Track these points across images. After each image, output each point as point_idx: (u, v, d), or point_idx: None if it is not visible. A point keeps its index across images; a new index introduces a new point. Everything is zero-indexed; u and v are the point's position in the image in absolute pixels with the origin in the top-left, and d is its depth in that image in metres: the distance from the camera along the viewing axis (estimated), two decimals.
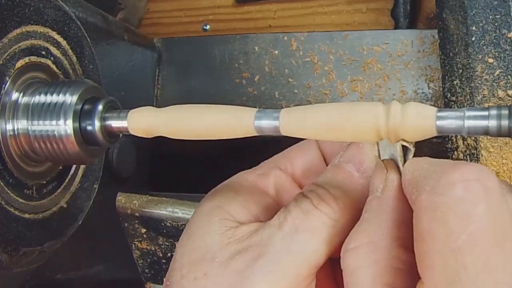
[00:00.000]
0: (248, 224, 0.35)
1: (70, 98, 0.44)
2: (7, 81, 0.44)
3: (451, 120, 0.31)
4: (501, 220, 0.26)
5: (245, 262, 0.33)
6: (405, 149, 0.33)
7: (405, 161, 0.33)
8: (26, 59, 0.46)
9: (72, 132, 0.44)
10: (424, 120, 0.31)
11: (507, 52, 0.55)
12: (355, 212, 0.34)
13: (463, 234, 0.25)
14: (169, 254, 0.70)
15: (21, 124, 0.45)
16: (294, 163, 0.40)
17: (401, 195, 0.32)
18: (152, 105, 0.48)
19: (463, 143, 0.58)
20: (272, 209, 0.37)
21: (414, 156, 0.33)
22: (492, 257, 0.25)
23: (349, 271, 0.31)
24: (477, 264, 0.25)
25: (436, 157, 0.33)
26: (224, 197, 0.37)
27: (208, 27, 0.92)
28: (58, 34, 0.49)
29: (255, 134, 0.36)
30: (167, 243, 0.70)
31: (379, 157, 0.35)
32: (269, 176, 0.40)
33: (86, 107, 0.44)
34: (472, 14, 0.57)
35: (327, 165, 0.40)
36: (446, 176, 0.27)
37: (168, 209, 0.67)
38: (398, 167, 0.33)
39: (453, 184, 0.27)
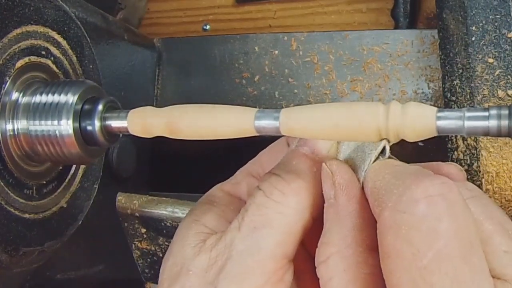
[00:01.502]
0: (218, 232, 0.36)
1: (70, 98, 0.44)
2: (7, 81, 0.44)
3: (451, 120, 0.31)
4: (467, 234, 0.26)
5: (215, 271, 0.33)
6: (382, 150, 0.33)
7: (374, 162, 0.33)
8: (26, 59, 0.46)
9: (72, 132, 0.44)
10: (424, 120, 0.31)
11: (507, 52, 0.55)
12: (315, 196, 0.33)
13: (429, 252, 0.26)
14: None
15: (21, 124, 0.45)
16: (265, 167, 0.40)
17: (357, 196, 0.31)
18: (152, 105, 0.48)
19: (463, 143, 0.58)
20: None
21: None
22: (460, 273, 0.25)
23: (323, 282, 0.31)
24: (445, 282, 0.25)
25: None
26: (200, 210, 0.38)
27: (208, 27, 0.92)
28: (58, 34, 0.49)
29: (255, 134, 0.36)
30: (167, 243, 0.69)
31: (337, 144, 0.35)
32: (242, 184, 0.40)
33: (86, 107, 0.44)
34: (472, 14, 0.57)
35: None
36: (408, 192, 0.27)
37: (168, 209, 0.67)
38: (346, 166, 0.33)
39: (415, 201, 0.27)
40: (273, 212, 0.33)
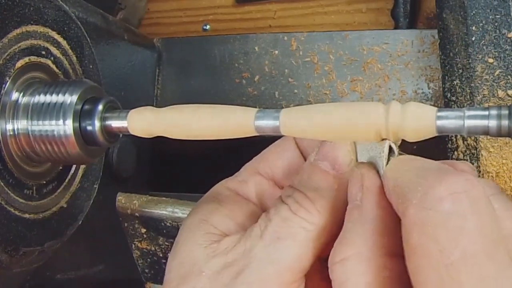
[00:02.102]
0: (232, 235, 0.36)
1: (70, 98, 0.44)
2: (7, 81, 0.44)
3: (451, 120, 0.31)
4: (490, 231, 0.27)
5: (230, 275, 0.33)
6: (390, 149, 0.33)
7: (387, 162, 0.33)
8: (26, 59, 0.46)
9: (72, 132, 0.44)
10: (424, 120, 0.31)
11: (507, 52, 0.55)
12: (334, 212, 0.34)
13: (456, 250, 0.26)
14: (169, 254, 0.70)
15: (21, 124, 0.45)
16: (273, 166, 0.40)
17: (382, 201, 0.32)
18: (152, 105, 0.48)
19: (463, 143, 0.58)
20: (257, 216, 0.38)
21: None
22: (485, 271, 0.26)
23: (338, 283, 0.31)
24: (472, 279, 0.25)
25: (436, 158, 0.33)
26: (207, 210, 0.38)
27: (208, 27, 0.92)
28: (58, 34, 0.49)
29: (255, 134, 0.36)
30: (167, 243, 0.69)
31: (355, 153, 0.35)
32: (249, 183, 0.40)
33: (86, 107, 0.44)
34: (472, 14, 0.57)
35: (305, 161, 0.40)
36: (433, 190, 0.27)
37: (168, 209, 0.67)
38: (377, 171, 0.33)
39: (440, 198, 0.27)
40: (297, 226, 0.33)
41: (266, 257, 0.33)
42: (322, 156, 0.36)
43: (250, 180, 0.40)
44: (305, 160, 0.40)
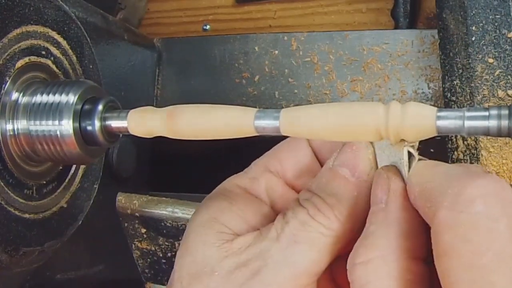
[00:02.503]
0: (245, 235, 0.36)
1: (70, 98, 0.44)
2: (7, 81, 0.44)
3: (451, 120, 0.31)
4: None
5: (245, 275, 0.33)
6: (409, 154, 0.33)
7: (409, 167, 0.33)
8: (26, 59, 0.46)
9: (72, 132, 0.44)
10: (424, 120, 0.31)
11: (507, 52, 0.55)
12: (351, 219, 0.34)
13: (488, 252, 0.26)
14: (169, 254, 0.70)
15: (21, 124, 0.45)
16: (284, 164, 0.40)
17: (407, 205, 0.32)
18: (152, 105, 0.48)
19: (463, 143, 0.58)
20: (267, 215, 0.38)
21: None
22: None
23: (359, 285, 0.31)
24: (504, 281, 0.26)
25: (436, 158, 0.33)
26: (218, 208, 0.38)
27: (208, 27, 0.92)
28: (58, 34, 0.49)
29: (255, 134, 0.36)
30: (167, 243, 0.69)
31: (375, 161, 0.35)
32: (260, 180, 0.40)
33: (86, 107, 0.44)
34: (472, 14, 0.57)
35: (318, 162, 0.39)
36: (464, 192, 0.27)
37: (168, 209, 0.67)
38: (400, 175, 0.33)
39: (472, 200, 0.27)
40: (315, 231, 0.34)
41: (282, 260, 0.33)
42: (342, 162, 0.35)
43: (261, 178, 0.40)
44: (318, 160, 0.40)
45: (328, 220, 0.34)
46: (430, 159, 0.34)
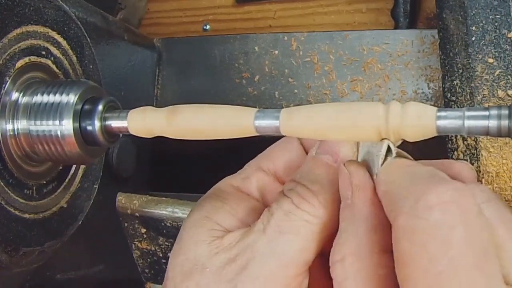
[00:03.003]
0: (234, 231, 0.36)
1: (70, 98, 0.44)
2: (7, 81, 0.44)
3: (451, 120, 0.31)
4: (480, 241, 0.27)
5: (234, 270, 0.33)
6: (388, 148, 0.33)
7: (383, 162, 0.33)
8: (26, 59, 0.46)
9: (72, 132, 0.44)
10: (424, 120, 0.31)
11: (507, 52, 0.55)
12: (337, 205, 0.34)
13: (444, 260, 0.26)
14: (169, 254, 0.70)
15: (21, 124, 0.45)
16: (276, 162, 0.40)
17: (373, 199, 0.32)
18: (152, 105, 0.48)
19: (463, 143, 0.58)
20: (259, 212, 0.38)
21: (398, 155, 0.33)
22: (474, 281, 0.26)
23: (338, 282, 0.31)
24: None
25: (436, 158, 0.33)
26: (211, 207, 0.38)
27: (208, 27, 0.92)
28: (58, 34, 0.49)
29: (255, 134, 0.36)
30: (167, 243, 0.69)
31: (357, 147, 0.35)
32: (252, 179, 0.40)
33: (86, 107, 0.44)
34: (472, 14, 0.57)
35: None
36: (422, 198, 0.27)
37: (168, 209, 0.67)
38: (367, 169, 0.33)
39: (430, 207, 0.27)
40: (299, 219, 0.34)
41: (269, 251, 0.33)
42: (324, 150, 0.36)
43: (252, 176, 0.40)
44: None
45: (312, 207, 0.34)
46: (430, 159, 0.34)
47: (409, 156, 0.33)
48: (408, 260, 0.27)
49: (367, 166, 0.34)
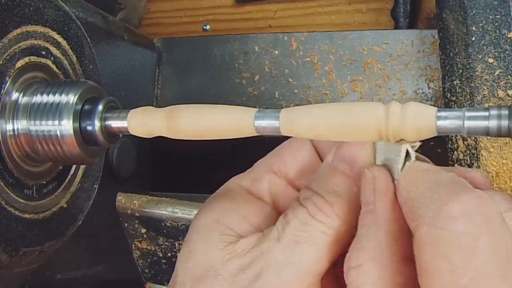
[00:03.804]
0: (248, 237, 0.36)
1: (70, 98, 0.44)
2: (7, 81, 0.44)
3: (451, 120, 0.31)
4: (504, 250, 0.26)
5: (248, 278, 0.33)
6: (406, 153, 0.32)
7: (403, 167, 0.32)
8: (26, 59, 0.46)
9: (72, 132, 0.44)
10: (424, 120, 0.31)
11: (507, 52, 0.55)
12: (352, 215, 0.34)
13: (468, 271, 0.26)
14: (169, 254, 0.70)
15: (21, 124, 0.45)
16: (287, 164, 0.40)
17: (395, 205, 0.31)
18: (152, 105, 0.48)
19: (463, 143, 0.58)
20: (270, 216, 0.37)
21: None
22: None
23: None
24: None
25: (436, 158, 0.33)
26: (222, 209, 0.37)
27: (208, 27, 0.92)
28: (58, 34, 0.49)
29: (255, 134, 0.36)
30: (167, 243, 0.69)
31: (374, 156, 0.35)
32: (263, 181, 0.39)
33: (86, 107, 0.44)
34: (472, 14, 0.57)
35: (321, 162, 0.39)
36: (445, 208, 0.27)
37: (168, 209, 0.67)
38: (390, 174, 0.32)
39: (453, 217, 0.27)
40: (315, 230, 0.33)
41: (285, 260, 0.33)
42: (340, 157, 0.35)
43: (263, 178, 0.39)
44: (321, 160, 0.39)
45: (328, 219, 0.33)
46: (430, 159, 0.34)
47: (428, 160, 0.33)
48: (431, 271, 0.27)
49: (388, 171, 0.33)
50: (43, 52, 0.47)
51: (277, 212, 0.38)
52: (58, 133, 0.44)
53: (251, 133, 0.36)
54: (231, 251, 0.35)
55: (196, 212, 0.60)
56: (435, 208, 0.27)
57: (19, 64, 0.45)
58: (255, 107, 0.36)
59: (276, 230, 0.34)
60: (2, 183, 0.43)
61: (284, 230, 0.34)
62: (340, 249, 0.34)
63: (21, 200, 0.45)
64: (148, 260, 0.72)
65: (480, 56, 0.56)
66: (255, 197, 0.39)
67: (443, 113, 0.31)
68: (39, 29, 0.47)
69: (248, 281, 0.33)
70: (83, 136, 0.44)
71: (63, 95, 0.44)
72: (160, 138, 0.40)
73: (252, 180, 0.40)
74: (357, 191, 0.34)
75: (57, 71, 0.49)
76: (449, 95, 0.61)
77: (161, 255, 0.71)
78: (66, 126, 0.44)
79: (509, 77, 0.55)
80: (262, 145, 0.42)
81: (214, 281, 0.34)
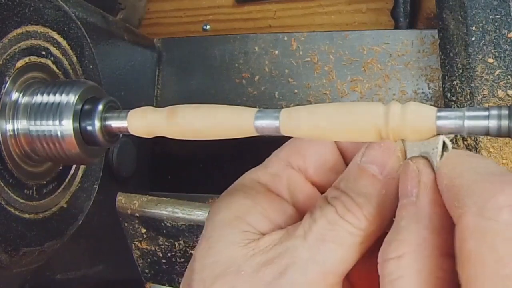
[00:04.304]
0: (271, 234, 0.35)
1: (70, 98, 0.44)
2: (7, 81, 0.44)
3: (451, 120, 0.31)
4: None
5: (272, 273, 0.33)
6: (443, 144, 0.32)
7: (441, 158, 0.32)
8: (26, 59, 0.46)
9: (72, 132, 0.44)
10: (424, 120, 0.31)
11: (507, 52, 0.55)
12: (379, 217, 0.33)
13: None
14: (169, 254, 0.70)
15: (21, 124, 0.45)
16: (307, 160, 0.39)
17: (438, 199, 0.31)
18: (152, 105, 0.48)
19: (463, 143, 0.58)
20: (290, 213, 0.37)
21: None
22: None
23: (390, 280, 0.30)
24: None
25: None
26: (242, 206, 0.37)
27: (208, 27, 0.92)
28: (58, 34, 0.49)
29: (255, 134, 0.36)
30: (167, 243, 0.69)
31: (405, 156, 0.34)
32: (282, 177, 0.39)
33: (86, 107, 0.44)
34: (472, 14, 0.57)
35: (343, 158, 0.39)
36: (493, 199, 0.27)
37: (168, 209, 0.67)
38: (431, 165, 0.32)
39: (501, 208, 0.26)
40: (343, 230, 0.33)
41: (311, 258, 0.33)
42: (370, 159, 0.35)
43: (282, 174, 0.39)
44: (343, 157, 0.39)
45: (357, 220, 0.33)
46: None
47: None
48: (474, 260, 0.27)
49: (430, 164, 0.33)
50: (43, 52, 0.47)
51: (297, 209, 0.38)
52: (58, 133, 0.44)
53: (251, 133, 0.36)
54: (254, 247, 0.34)
55: (195, 212, 0.60)
56: (482, 198, 0.27)
57: (19, 64, 0.45)
58: (255, 107, 0.36)
59: (303, 228, 0.34)
60: (2, 183, 0.43)
61: (311, 228, 0.34)
62: (364, 250, 0.34)
63: (21, 200, 0.45)
64: (148, 260, 0.72)
65: (480, 56, 0.56)
66: (274, 193, 0.38)
67: (443, 113, 0.31)
68: (39, 29, 0.47)
69: (272, 276, 0.33)
70: (83, 136, 0.44)
71: (63, 95, 0.44)
72: (160, 138, 0.40)
73: (270, 176, 0.39)
74: (386, 193, 0.34)
75: (57, 71, 0.49)
76: (449, 95, 0.61)
77: (161, 255, 0.71)
78: (66, 126, 0.44)
79: (509, 77, 0.55)
80: (262, 145, 0.42)
81: (237, 277, 0.33)
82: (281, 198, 0.38)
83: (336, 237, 0.33)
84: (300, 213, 0.37)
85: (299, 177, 0.39)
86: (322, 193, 0.37)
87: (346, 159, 0.39)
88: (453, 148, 0.32)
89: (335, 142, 0.39)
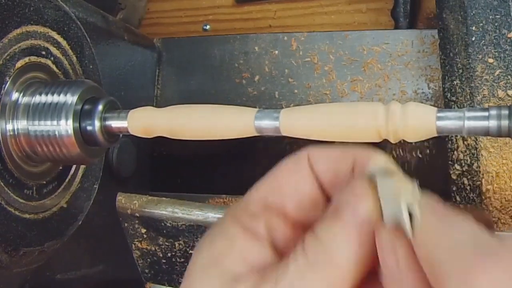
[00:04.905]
0: (245, 281, 0.35)
1: (70, 98, 0.44)
2: (7, 81, 0.44)
3: (451, 121, 0.31)
4: None
5: None
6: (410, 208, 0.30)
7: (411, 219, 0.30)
8: (26, 59, 0.46)
9: (72, 132, 0.44)
10: (424, 120, 0.31)
11: (507, 52, 0.55)
12: (355, 265, 0.33)
13: None
14: (169, 254, 0.70)
15: (21, 124, 0.45)
16: (285, 197, 0.38)
17: (419, 266, 0.30)
18: (152, 105, 0.48)
19: (463, 143, 0.58)
20: (268, 256, 0.37)
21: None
22: None
23: None
24: None
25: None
26: (220, 249, 0.36)
27: (208, 27, 0.92)
28: (58, 34, 0.49)
29: (255, 134, 0.36)
30: (167, 243, 0.69)
31: (380, 207, 0.32)
32: (260, 219, 0.38)
33: (86, 107, 0.44)
34: (472, 14, 0.57)
35: (322, 190, 0.38)
36: (470, 278, 0.26)
37: (168, 209, 0.67)
38: (404, 233, 0.31)
39: None
40: (314, 280, 0.33)
41: None
42: (343, 201, 0.34)
43: (260, 216, 0.38)
44: (321, 191, 0.38)
45: (329, 269, 0.32)
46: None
47: (435, 198, 0.31)
48: None
49: (398, 225, 0.31)
50: (43, 52, 0.47)
51: (276, 251, 0.38)
52: (58, 133, 0.44)
53: (251, 133, 0.36)
54: None
55: (195, 212, 0.60)
56: (458, 277, 0.27)
57: (19, 64, 0.45)
58: (255, 107, 0.36)
59: (275, 276, 0.33)
60: (2, 183, 0.43)
61: (283, 278, 0.33)
62: None
63: (21, 200, 0.45)
64: (148, 260, 0.72)
65: (480, 56, 0.56)
66: (254, 236, 0.37)
67: (443, 113, 0.31)
68: (39, 29, 0.47)
69: None
70: (83, 136, 0.44)
71: (63, 95, 0.44)
72: (160, 138, 0.40)
73: (249, 218, 0.38)
74: (361, 241, 0.33)
75: (57, 71, 0.49)
76: (449, 95, 0.61)
77: (161, 255, 0.71)
78: (66, 126, 0.44)
79: (509, 77, 0.55)
80: (262, 145, 0.42)
81: None
82: (260, 241, 0.38)
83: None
84: (280, 255, 0.37)
85: (278, 219, 0.38)
86: (304, 230, 0.36)
87: (325, 191, 0.38)
88: (425, 198, 0.30)
89: (313, 172, 0.38)
